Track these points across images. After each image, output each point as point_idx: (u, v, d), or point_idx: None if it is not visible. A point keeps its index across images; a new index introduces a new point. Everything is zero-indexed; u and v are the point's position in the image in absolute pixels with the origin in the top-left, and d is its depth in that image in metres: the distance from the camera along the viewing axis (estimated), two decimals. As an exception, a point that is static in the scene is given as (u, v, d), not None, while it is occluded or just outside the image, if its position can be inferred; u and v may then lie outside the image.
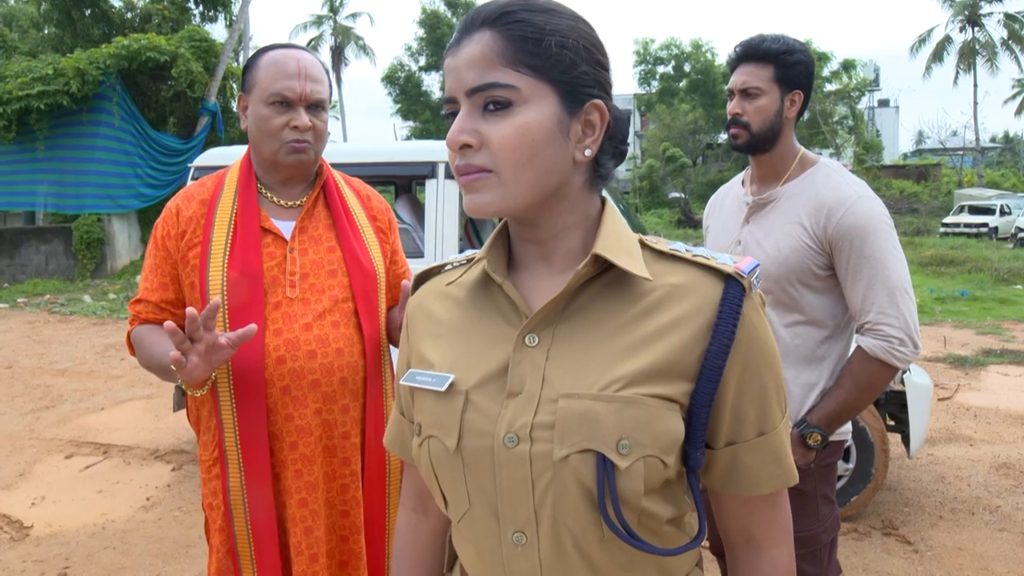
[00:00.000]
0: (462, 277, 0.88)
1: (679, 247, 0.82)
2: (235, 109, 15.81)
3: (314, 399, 1.45)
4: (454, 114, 0.77)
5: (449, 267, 0.93)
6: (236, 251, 1.44)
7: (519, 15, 0.75)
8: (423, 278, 0.94)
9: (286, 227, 1.51)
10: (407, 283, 1.41)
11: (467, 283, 0.87)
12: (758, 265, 0.81)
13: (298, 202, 1.54)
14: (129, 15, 17.17)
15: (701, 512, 0.80)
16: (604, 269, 0.79)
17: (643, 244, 0.83)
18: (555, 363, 0.77)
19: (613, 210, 0.83)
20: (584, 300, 0.79)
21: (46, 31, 18.38)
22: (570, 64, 0.76)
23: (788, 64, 1.66)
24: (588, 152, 0.78)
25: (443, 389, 0.79)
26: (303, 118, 1.45)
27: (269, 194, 1.53)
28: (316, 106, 1.49)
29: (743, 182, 1.86)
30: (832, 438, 1.69)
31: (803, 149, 1.76)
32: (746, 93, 1.70)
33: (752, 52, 1.69)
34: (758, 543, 0.84)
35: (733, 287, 0.77)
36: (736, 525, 0.84)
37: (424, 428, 0.82)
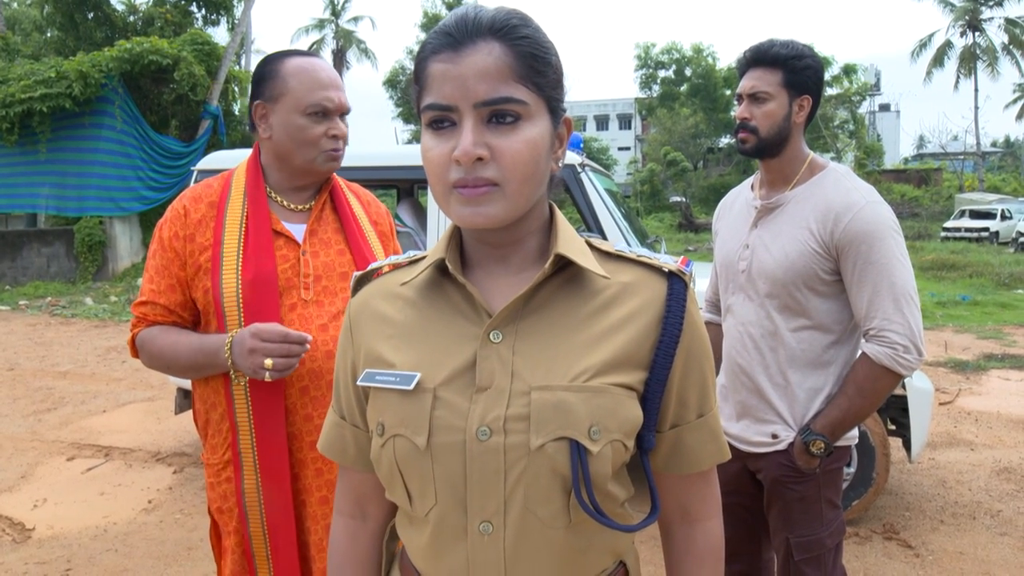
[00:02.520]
0: (415, 278, 0.88)
1: (624, 248, 0.88)
2: (237, 113, 15.84)
3: (332, 398, 1.47)
4: (440, 121, 0.76)
5: (390, 268, 0.94)
6: (249, 254, 1.45)
7: (522, 30, 0.76)
8: (363, 280, 0.95)
9: (297, 230, 1.53)
10: None
11: (418, 283, 0.88)
12: (692, 264, 0.86)
13: (307, 206, 1.56)
14: (132, 18, 17.22)
15: (654, 489, 0.84)
16: (559, 268, 0.84)
17: (590, 246, 0.88)
18: (522, 358, 0.80)
19: (561, 215, 0.88)
20: (543, 297, 0.83)
21: (49, 34, 18.44)
22: (557, 82, 0.80)
23: (797, 69, 1.66)
24: (560, 163, 0.84)
25: (410, 388, 0.80)
26: (341, 127, 1.51)
27: (279, 198, 1.55)
28: (344, 113, 1.54)
29: (752, 187, 1.85)
30: (838, 443, 1.69)
31: (812, 154, 1.75)
32: (754, 97, 1.69)
33: (761, 57, 1.69)
34: (693, 517, 0.91)
35: (677, 284, 0.84)
36: (674, 501, 0.91)
37: (388, 428, 0.82)
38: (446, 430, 0.78)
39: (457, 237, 0.88)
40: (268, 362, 1.33)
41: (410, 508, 0.84)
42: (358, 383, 0.87)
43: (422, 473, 0.80)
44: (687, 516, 0.91)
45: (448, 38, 0.75)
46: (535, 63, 0.76)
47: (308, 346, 1.37)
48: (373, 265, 0.95)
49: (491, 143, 0.75)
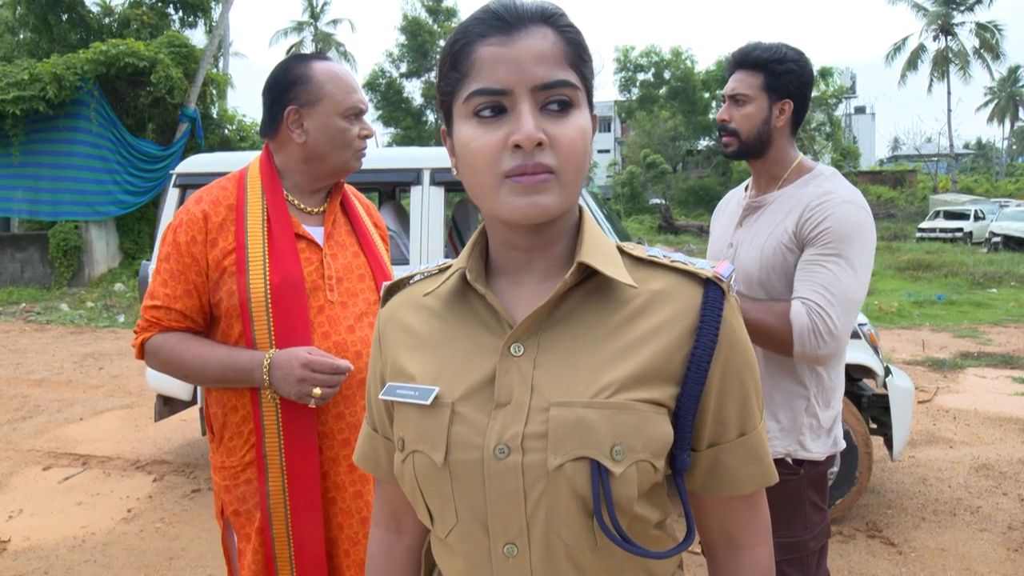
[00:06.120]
0: (440, 288, 0.85)
1: (657, 253, 0.82)
2: (215, 116, 15.67)
3: (361, 396, 1.52)
4: (492, 107, 0.72)
5: (419, 277, 0.91)
6: (275, 257, 1.47)
7: (568, 19, 0.75)
8: (393, 290, 0.93)
9: (315, 233, 1.55)
10: None
11: (443, 293, 0.85)
12: (734, 269, 0.82)
13: (320, 209, 1.59)
14: (107, 20, 16.96)
15: (689, 513, 0.80)
16: (585, 277, 0.79)
17: (621, 251, 0.83)
18: (543, 372, 0.76)
19: (591, 218, 0.83)
20: (567, 308, 0.79)
21: (22, 36, 18.07)
22: (593, 74, 0.78)
23: (777, 73, 1.66)
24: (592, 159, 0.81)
25: (428, 402, 0.77)
26: (370, 126, 1.58)
27: (295, 201, 1.57)
28: None
29: (746, 188, 1.87)
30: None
31: (802, 156, 1.75)
32: (735, 99, 1.71)
33: (743, 60, 1.70)
34: (739, 544, 0.84)
35: (713, 291, 0.78)
36: (717, 526, 0.84)
37: (408, 443, 0.79)
38: (464, 447, 0.75)
39: (482, 245, 0.84)
40: (317, 391, 1.39)
41: (432, 527, 0.81)
42: (380, 396, 0.84)
43: (441, 491, 0.77)
44: (731, 543, 0.84)
45: (499, 22, 0.72)
46: (581, 52, 0.75)
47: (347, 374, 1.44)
48: (403, 274, 0.93)
49: (547, 130, 0.71)
